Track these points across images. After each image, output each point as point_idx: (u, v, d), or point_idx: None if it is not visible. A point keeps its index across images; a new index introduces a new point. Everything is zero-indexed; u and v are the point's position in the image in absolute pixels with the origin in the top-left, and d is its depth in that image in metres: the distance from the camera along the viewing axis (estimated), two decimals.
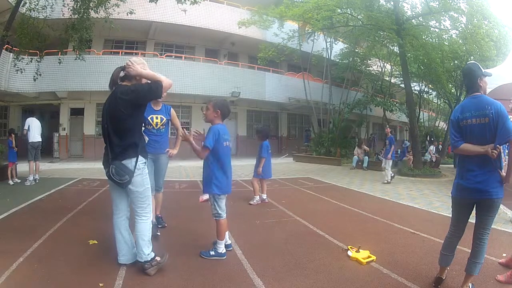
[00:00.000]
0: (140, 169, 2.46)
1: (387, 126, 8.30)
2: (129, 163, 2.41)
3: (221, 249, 2.82)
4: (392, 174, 8.09)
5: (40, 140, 6.88)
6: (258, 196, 5.16)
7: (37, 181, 6.68)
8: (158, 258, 2.50)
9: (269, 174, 5.33)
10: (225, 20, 14.61)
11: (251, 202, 5.05)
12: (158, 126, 3.41)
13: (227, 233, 3.00)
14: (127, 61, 2.51)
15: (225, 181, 2.83)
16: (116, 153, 2.41)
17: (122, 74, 2.52)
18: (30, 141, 6.65)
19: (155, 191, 3.46)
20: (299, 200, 5.49)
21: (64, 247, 2.96)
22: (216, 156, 2.80)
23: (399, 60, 11.85)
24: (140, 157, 2.47)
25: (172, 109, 3.61)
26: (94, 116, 13.60)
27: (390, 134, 8.19)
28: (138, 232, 2.50)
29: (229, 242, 3.05)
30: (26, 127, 6.65)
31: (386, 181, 7.82)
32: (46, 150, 11.56)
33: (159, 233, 3.35)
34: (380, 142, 19.08)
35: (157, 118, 3.40)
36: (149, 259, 2.46)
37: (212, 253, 2.81)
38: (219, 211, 2.84)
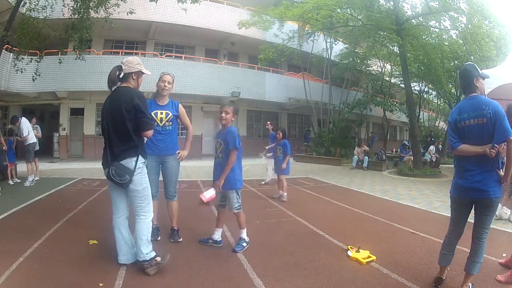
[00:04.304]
0: (140, 168, 2.47)
1: (268, 122, 7.52)
2: (129, 162, 2.42)
3: (246, 237, 3.08)
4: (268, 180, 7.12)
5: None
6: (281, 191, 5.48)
7: (34, 181, 6.66)
8: (158, 258, 2.50)
9: (288, 170, 5.55)
10: (225, 20, 14.60)
11: (283, 199, 5.30)
12: (163, 122, 3.11)
13: (220, 230, 3.14)
14: (122, 61, 2.52)
15: (242, 175, 3.14)
16: (115, 154, 2.42)
17: (121, 74, 2.50)
18: (31, 142, 6.54)
19: (166, 199, 3.27)
20: (299, 200, 5.49)
21: (64, 247, 2.96)
22: (238, 155, 3.03)
23: (399, 60, 11.86)
24: (140, 157, 2.47)
25: (181, 105, 3.28)
26: (94, 116, 13.58)
27: (271, 131, 7.40)
28: (136, 231, 2.51)
29: (220, 239, 3.14)
30: (26, 133, 6.42)
31: (263, 182, 7.17)
32: (46, 150, 11.55)
33: (159, 238, 3.23)
34: (380, 142, 19.15)
35: (161, 113, 3.11)
36: (148, 258, 2.46)
37: (244, 244, 3.03)
38: (240, 203, 3.05)
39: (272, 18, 12.91)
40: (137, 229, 2.50)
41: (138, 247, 2.49)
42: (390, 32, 9.60)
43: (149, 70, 2.69)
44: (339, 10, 11.16)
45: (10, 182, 6.52)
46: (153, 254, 2.51)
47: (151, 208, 2.61)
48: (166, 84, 3.15)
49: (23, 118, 6.59)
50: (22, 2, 7.43)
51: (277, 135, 5.65)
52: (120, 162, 2.40)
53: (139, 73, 2.58)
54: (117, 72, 2.49)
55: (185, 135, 3.38)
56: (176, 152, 3.22)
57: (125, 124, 2.40)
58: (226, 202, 3.06)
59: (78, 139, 13.65)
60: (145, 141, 2.64)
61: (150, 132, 2.51)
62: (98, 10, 8.10)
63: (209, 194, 5.18)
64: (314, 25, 12.40)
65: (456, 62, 12.54)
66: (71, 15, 8.18)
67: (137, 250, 2.51)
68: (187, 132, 3.38)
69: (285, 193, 5.38)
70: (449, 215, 2.43)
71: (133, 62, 2.53)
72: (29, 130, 6.52)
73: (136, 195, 2.50)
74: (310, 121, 17.33)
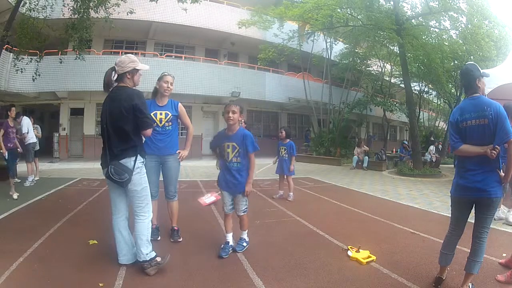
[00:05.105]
0: (139, 168, 2.47)
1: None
2: (128, 162, 2.42)
3: (247, 237, 3.08)
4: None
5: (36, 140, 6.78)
6: (282, 192, 5.62)
7: (34, 181, 6.64)
8: (158, 259, 2.50)
9: (294, 171, 5.67)
10: (225, 20, 14.61)
11: (290, 199, 5.40)
12: (163, 122, 3.11)
13: (231, 233, 3.00)
14: (115, 62, 2.50)
15: None
16: (115, 154, 2.42)
17: (115, 76, 2.47)
18: (31, 141, 6.52)
19: (166, 199, 3.27)
20: (299, 200, 5.49)
21: (64, 247, 2.96)
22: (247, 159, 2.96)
23: (399, 60, 11.85)
24: (139, 157, 2.47)
25: (180, 104, 3.26)
26: (94, 116, 13.59)
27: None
28: (136, 231, 2.51)
29: (232, 243, 3.04)
30: (25, 131, 6.38)
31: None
32: (46, 150, 11.55)
33: (159, 238, 3.22)
34: (380, 142, 19.15)
35: (161, 114, 3.11)
36: (148, 259, 2.46)
37: (244, 244, 3.02)
38: (247, 207, 3.02)
39: (272, 18, 12.91)
40: (137, 230, 2.50)
41: (138, 247, 2.49)
42: (390, 32, 9.60)
43: (149, 70, 2.68)
44: (339, 10, 11.16)
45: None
46: (153, 254, 2.51)
47: (151, 208, 2.61)
48: (169, 85, 3.14)
49: (24, 116, 6.58)
50: (22, 2, 7.42)
51: (280, 134, 5.65)
52: (120, 161, 2.40)
53: (134, 71, 2.52)
54: (112, 74, 2.47)
55: (186, 135, 3.37)
56: (176, 152, 3.21)
57: (124, 124, 2.40)
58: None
59: (78, 139, 13.65)
60: (143, 141, 2.63)
61: (149, 131, 2.51)
62: (98, 10, 8.10)
63: (209, 200, 5.18)
64: (314, 25, 12.41)
65: (456, 62, 12.54)
66: (71, 15, 8.16)
67: (137, 251, 2.51)
68: (187, 132, 3.36)
69: (291, 193, 5.48)
70: (449, 215, 2.43)
71: (125, 61, 2.47)
72: (28, 129, 6.51)
73: (135, 195, 2.50)
74: (310, 121, 17.33)
